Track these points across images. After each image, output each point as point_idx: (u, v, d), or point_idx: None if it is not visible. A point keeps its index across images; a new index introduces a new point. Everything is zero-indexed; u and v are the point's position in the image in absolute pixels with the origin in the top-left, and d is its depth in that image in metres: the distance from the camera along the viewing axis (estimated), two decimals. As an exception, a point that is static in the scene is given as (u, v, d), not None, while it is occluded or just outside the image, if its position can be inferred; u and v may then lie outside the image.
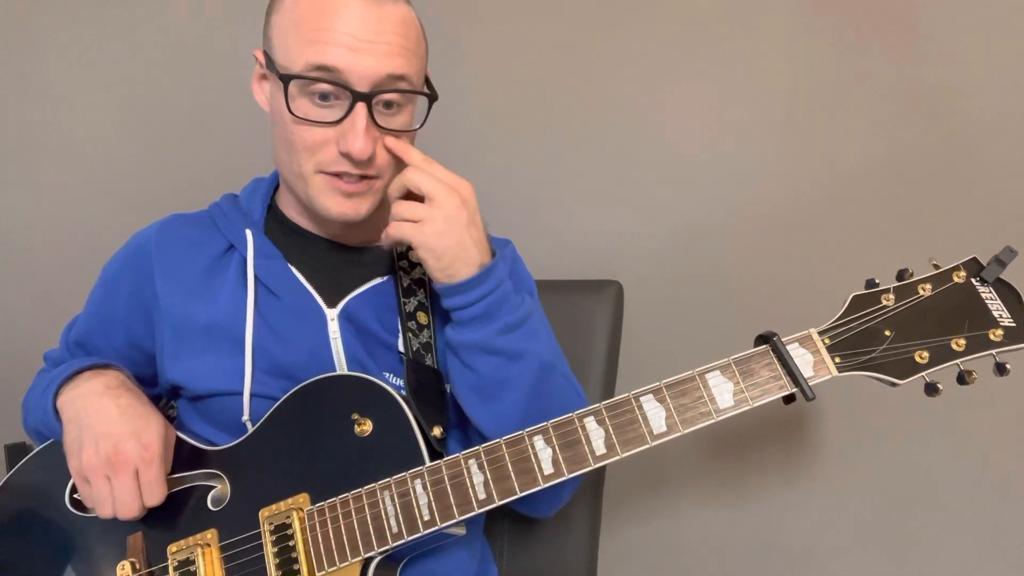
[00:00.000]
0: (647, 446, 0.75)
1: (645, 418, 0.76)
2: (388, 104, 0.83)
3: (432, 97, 0.88)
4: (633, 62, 1.29)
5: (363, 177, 0.84)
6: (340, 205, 0.85)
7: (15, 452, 0.93)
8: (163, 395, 0.98)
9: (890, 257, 1.24)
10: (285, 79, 0.80)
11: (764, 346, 0.77)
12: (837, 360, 0.75)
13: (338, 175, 0.84)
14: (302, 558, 0.78)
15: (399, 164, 0.86)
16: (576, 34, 1.29)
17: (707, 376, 0.76)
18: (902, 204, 1.26)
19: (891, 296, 0.76)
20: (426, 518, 0.77)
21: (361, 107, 0.80)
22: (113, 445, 0.79)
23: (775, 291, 1.31)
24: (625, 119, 1.31)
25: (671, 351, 1.36)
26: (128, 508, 0.79)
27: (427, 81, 0.90)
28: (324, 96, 0.81)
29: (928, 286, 0.76)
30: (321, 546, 0.79)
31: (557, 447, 0.77)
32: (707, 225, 1.32)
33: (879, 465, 1.32)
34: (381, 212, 0.97)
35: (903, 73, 1.24)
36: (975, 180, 1.24)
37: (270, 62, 0.84)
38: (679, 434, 0.75)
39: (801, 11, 1.25)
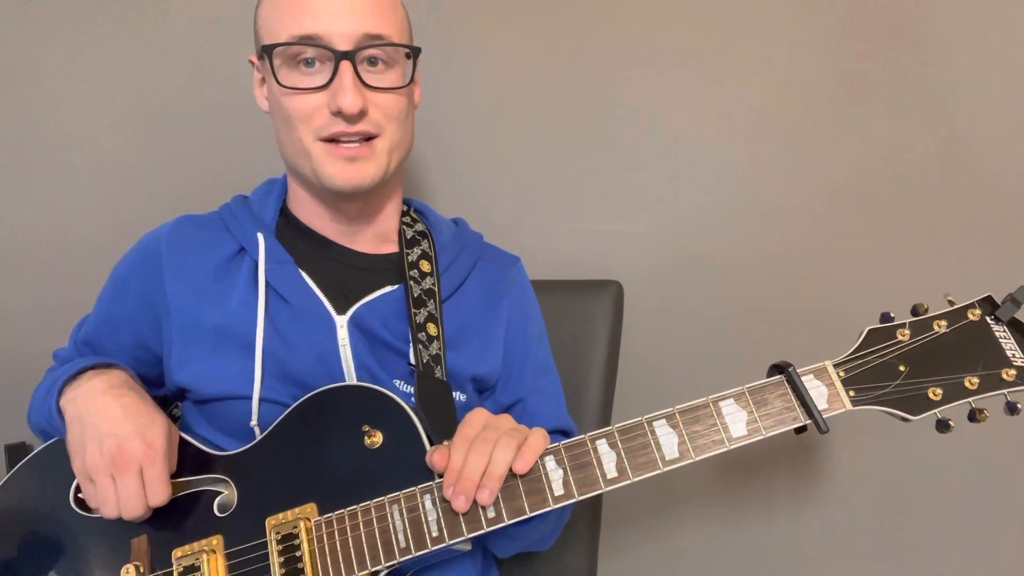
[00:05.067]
0: (658, 472, 0.76)
1: (657, 443, 0.76)
2: (373, 61, 0.85)
3: (415, 51, 0.89)
4: (635, 63, 1.28)
5: (362, 140, 0.86)
6: (344, 172, 0.86)
7: (15, 452, 0.91)
8: (168, 397, 0.97)
9: (895, 258, 1.26)
10: (269, 50, 0.84)
11: (779, 376, 0.77)
12: (852, 393, 0.75)
13: (336, 140, 0.85)
14: (308, 569, 0.78)
15: (397, 120, 0.88)
16: (578, 35, 1.28)
17: (721, 404, 0.77)
18: (915, 209, 1.27)
19: (906, 331, 0.77)
20: (435, 534, 0.77)
21: (346, 65, 0.82)
22: (117, 444, 0.79)
23: (774, 291, 1.32)
24: (626, 119, 1.30)
25: (671, 351, 1.37)
26: (132, 508, 0.79)
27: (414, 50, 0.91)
28: (309, 63, 0.84)
29: (943, 323, 0.77)
30: (328, 558, 0.79)
31: (568, 468, 0.77)
32: (707, 225, 1.32)
33: (883, 482, 1.35)
34: (388, 211, 0.97)
35: (914, 84, 1.23)
36: (989, 193, 1.25)
37: (259, 53, 0.88)
38: (691, 461, 0.76)
39: (805, 12, 1.24)
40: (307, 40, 0.82)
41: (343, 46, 0.82)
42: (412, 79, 0.90)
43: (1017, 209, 1.24)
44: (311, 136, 0.85)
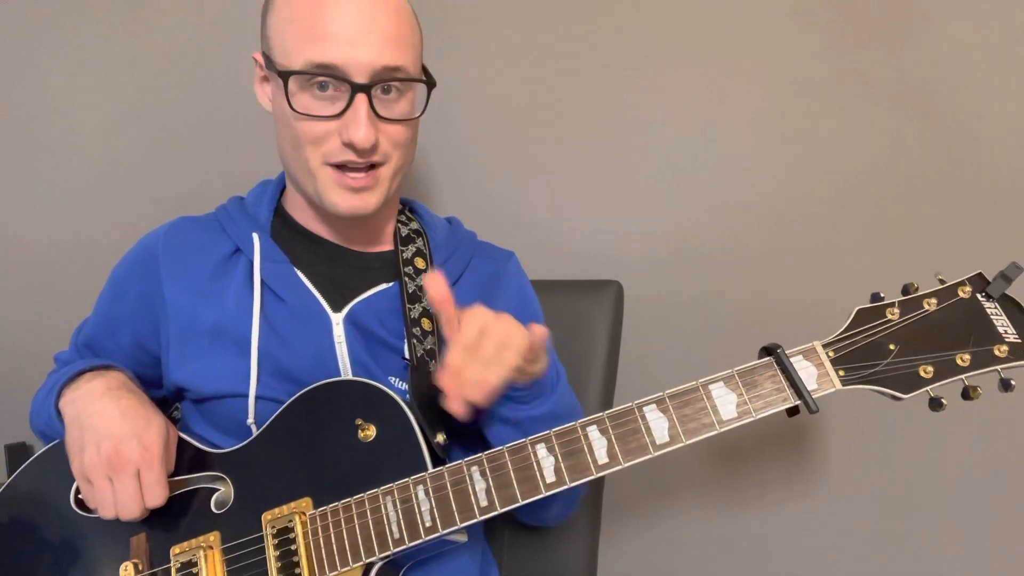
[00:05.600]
0: (649, 456, 0.76)
1: (648, 428, 0.76)
2: (387, 90, 0.85)
3: (430, 84, 0.90)
4: (634, 63, 1.29)
5: (369, 168, 0.86)
6: (348, 201, 0.86)
7: (15, 452, 0.93)
8: (168, 398, 0.98)
9: (892, 256, 1.26)
10: (284, 76, 0.82)
11: (768, 358, 0.77)
12: (841, 373, 0.75)
13: (344, 167, 0.85)
14: (304, 562, 0.79)
15: (404, 147, 0.89)
16: (577, 35, 1.29)
17: (710, 387, 0.77)
18: (906, 204, 1.26)
19: (896, 310, 0.76)
20: (428, 524, 0.77)
21: (361, 98, 0.82)
22: (114, 446, 0.79)
23: (775, 291, 1.32)
24: (626, 119, 1.31)
25: (671, 351, 1.36)
26: (130, 509, 0.80)
27: (424, 70, 0.91)
28: (323, 87, 0.82)
29: (933, 300, 0.76)
30: (323, 550, 0.79)
31: (559, 455, 0.77)
32: (707, 225, 1.32)
33: (879, 469, 1.33)
34: (385, 216, 0.98)
35: (905, 75, 1.24)
36: (980, 184, 1.24)
37: (269, 62, 0.86)
38: (681, 444, 0.76)
39: (803, 12, 1.25)
40: (324, 69, 0.81)
41: (360, 78, 0.81)
42: (424, 110, 0.90)
43: (1008, 198, 1.23)
44: (318, 159, 0.85)
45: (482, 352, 0.77)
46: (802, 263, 1.30)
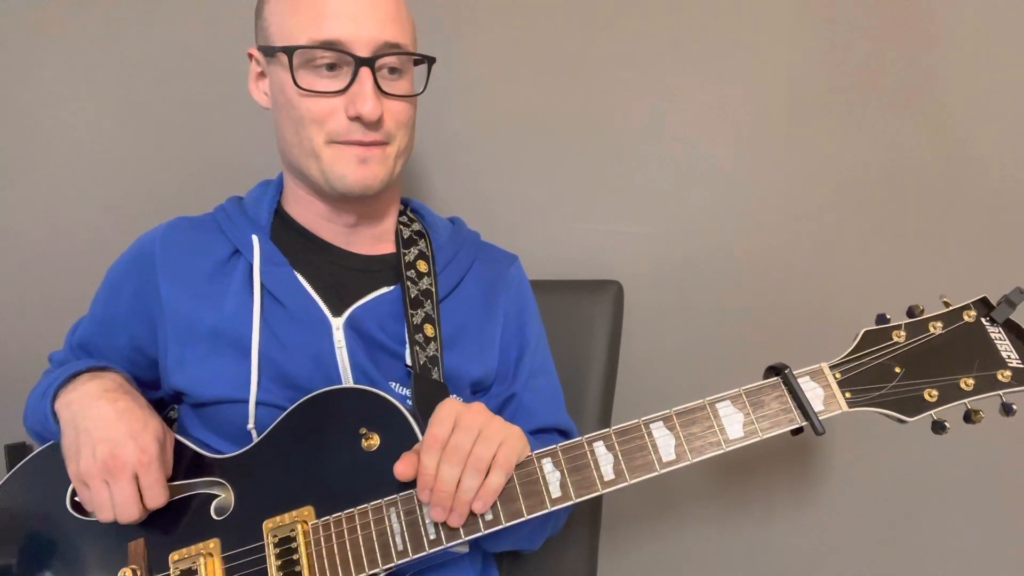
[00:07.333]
0: (656, 473, 0.76)
1: (654, 445, 0.76)
2: (391, 69, 0.86)
3: (430, 61, 0.92)
4: (634, 62, 1.28)
5: (374, 144, 0.86)
6: (356, 172, 0.86)
7: (15, 452, 0.91)
8: (165, 399, 0.97)
9: (895, 255, 1.26)
10: (289, 51, 0.83)
11: (775, 378, 0.77)
12: (848, 395, 0.75)
13: (349, 143, 0.85)
14: (306, 572, 0.78)
15: (406, 127, 0.90)
16: (578, 34, 1.28)
17: (717, 406, 0.77)
18: (913, 205, 1.27)
19: (902, 333, 0.77)
20: (432, 537, 0.77)
21: (366, 71, 0.83)
22: (110, 449, 0.78)
23: (775, 291, 1.32)
24: (626, 119, 1.30)
25: (671, 351, 1.36)
26: (128, 512, 0.79)
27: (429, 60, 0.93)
28: (330, 67, 0.84)
29: (939, 324, 0.77)
30: (325, 561, 0.79)
31: (566, 470, 0.77)
32: (708, 225, 1.32)
33: (882, 481, 1.35)
34: (387, 212, 0.97)
35: (911, 80, 1.23)
36: (987, 192, 1.24)
37: (269, 49, 0.86)
38: (688, 463, 0.76)
39: (807, 14, 1.24)
40: (329, 45, 0.82)
41: (364, 53, 0.83)
42: (425, 87, 0.91)
43: (1014, 211, 1.24)
44: (322, 139, 0.85)
45: (461, 449, 0.74)
46: (803, 264, 1.30)
